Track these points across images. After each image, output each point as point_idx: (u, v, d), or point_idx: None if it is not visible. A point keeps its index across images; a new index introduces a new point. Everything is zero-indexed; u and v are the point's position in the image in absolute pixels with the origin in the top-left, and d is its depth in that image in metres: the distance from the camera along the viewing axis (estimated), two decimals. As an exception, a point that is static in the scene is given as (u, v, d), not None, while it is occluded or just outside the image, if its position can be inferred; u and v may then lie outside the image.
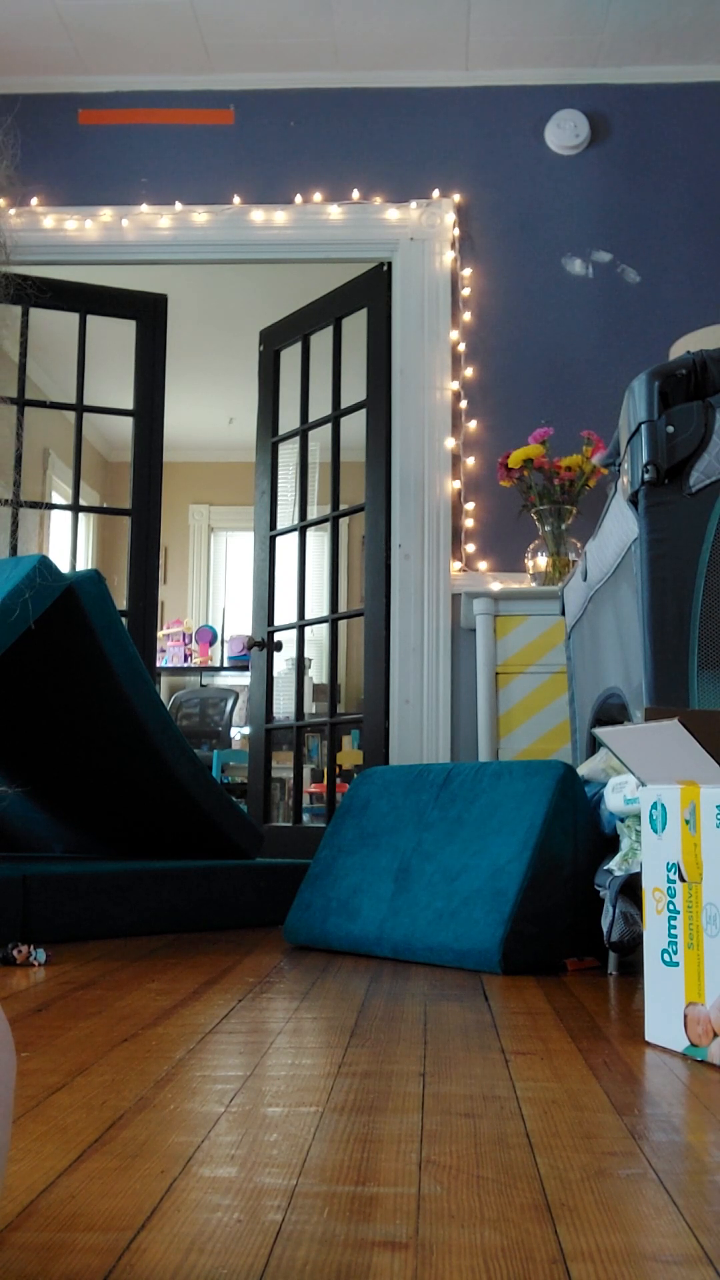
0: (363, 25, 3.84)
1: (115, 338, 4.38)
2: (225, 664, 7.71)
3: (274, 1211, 0.80)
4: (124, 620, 3.17)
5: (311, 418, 4.34)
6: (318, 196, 4.02)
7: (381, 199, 4.01)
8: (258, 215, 4.02)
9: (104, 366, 4.53)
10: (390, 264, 4.04)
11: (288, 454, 4.53)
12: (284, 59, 4.00)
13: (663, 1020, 1.36)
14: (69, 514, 4.28)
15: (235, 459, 7.75)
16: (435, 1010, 1.63)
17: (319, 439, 4.45)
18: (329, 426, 4.25)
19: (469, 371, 3.91)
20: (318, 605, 4.74)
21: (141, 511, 4.25)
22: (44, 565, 2.51)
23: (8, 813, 3.39)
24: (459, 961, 2.06)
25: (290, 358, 4.46)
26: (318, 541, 5.50)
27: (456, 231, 3.99)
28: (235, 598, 7.99)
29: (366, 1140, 0.97)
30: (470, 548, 3.83)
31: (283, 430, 4.46)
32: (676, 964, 1.34)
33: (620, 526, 2.08)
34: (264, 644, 4.38)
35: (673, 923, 1.35)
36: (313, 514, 4.40)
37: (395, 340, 3.98)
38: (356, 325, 4.14)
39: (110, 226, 4.04)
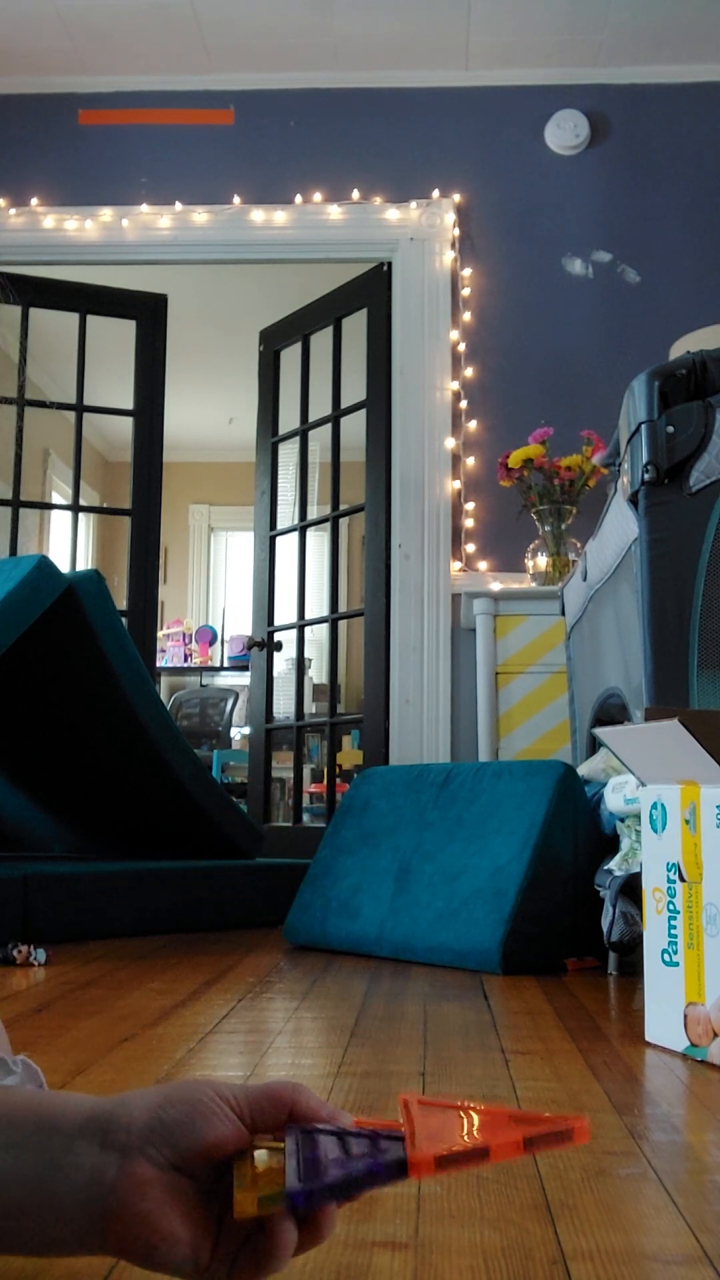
0: (363, 25, 3.84)
1: (115, 338, 4.37)
2: (225, 664, 7.70)
3: (274, 1211, 0.80)
4: (124, 620, 3.16)
5: (311, 418, 4.34)
6: (318, 196, 4.02)
7: (381, 199, 4.01)
8: (258, 215, 4.02)
9: (104, 366, 4.52)
10: (390, 264, 4.04)
11: (288, 454, 4.53)
12: (284, 59, 4.00)
13: (663, 1020, 1.36)
14: (69, 514, 4.28)
15: (235, 459, 7.74)
16: (435, 1010, 1.62)
17: (319, 439, 4.44)
18: (329, 426, 4.25)
19: (469, 371, 3.91)
20: (318, 605, 4.73)
21: (141, 511, 4.25)
22: (44, 565, 2.51)
23: (8, 813, 3.39)
24: (459, 961, 2.06)
25: (290, 358, 4.45)
26: (318, 541, 5.49)
27: (456, 231, 3.99)
28: (235, 598, 7.98)
29: (366, 1140, 0.97)
30: (470, 548, 3.83)
31: (283, 430, 4.46)
32: (676, 964, 1.34)
33: (620, 526, 2.08)
34: (264, 644, 4.38)
35: (673, 923, 1.35)
36: (313, 514, 4.40)
37: (395, 340, 3.98)
38: (356, 325, 4.14)
39: (110, 226, 4.04)
